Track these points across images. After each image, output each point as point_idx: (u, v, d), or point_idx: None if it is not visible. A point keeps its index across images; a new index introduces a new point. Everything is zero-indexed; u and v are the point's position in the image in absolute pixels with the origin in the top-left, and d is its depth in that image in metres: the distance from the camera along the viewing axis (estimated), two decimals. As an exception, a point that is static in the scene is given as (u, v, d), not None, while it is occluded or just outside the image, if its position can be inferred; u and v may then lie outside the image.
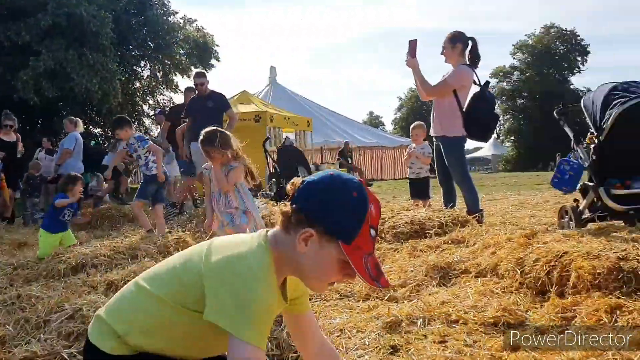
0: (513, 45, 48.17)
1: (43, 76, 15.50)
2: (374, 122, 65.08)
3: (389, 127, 62.71)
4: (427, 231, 4.74)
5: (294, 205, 1.46)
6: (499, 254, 3.64)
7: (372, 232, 1.45)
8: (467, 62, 5.61)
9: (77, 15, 16.00)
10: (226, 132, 4.44)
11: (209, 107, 7.34)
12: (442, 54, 5.70)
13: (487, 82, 5.79)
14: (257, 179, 4.45)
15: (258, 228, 4.16)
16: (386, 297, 3.47)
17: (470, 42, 5.61)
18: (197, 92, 7.69)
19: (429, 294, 3.37)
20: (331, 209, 1.41)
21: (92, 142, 18.76)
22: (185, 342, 1.53)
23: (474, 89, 5.62)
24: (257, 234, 1.55)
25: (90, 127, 22.00)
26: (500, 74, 47.82)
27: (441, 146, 5.66)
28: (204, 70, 7.82)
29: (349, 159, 19.89)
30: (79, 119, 10.34)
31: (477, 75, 5.60)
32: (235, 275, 1.39)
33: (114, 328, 1.53)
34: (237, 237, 1.58)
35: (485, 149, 45.74)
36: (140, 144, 6.27)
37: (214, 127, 4.38)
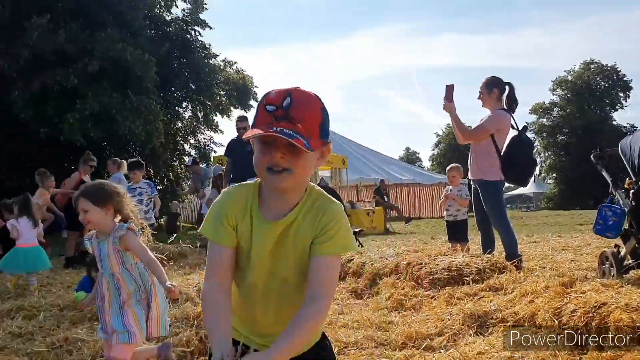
0: (552, 81, 47.73)
1: (89, 119, 16.13)
2: (411, 158, 64.86)
3: (426, 163, 62.40)
4: (464, 278, 4.72)
5: None
6: (537, 302, 3.61)
7: (269, 107, 1.57)
8: (504, 107, 5.66)
9: (123, 60, 16.69)
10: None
11: (247, 150, 7.55)
12: (478, 98, 5.76)
13: (525, 127, 5.82)
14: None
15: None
16: (423, 347, 3.48)
17: (507, 87, 5.66)
18: (237, 134, 7.96)
19: (466, 344, 3.37)
20: None
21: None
22: None
23: (512, 133, 5.64)
24: None
25: (134, 166, 22.68)
26: (540, 110, 47.30)
27: (479, 189, 5.67)
28: (246, 115, 8.11)
29: (385, 197, 19.86)
30: (123, 161, 10.63)
31: (514, 120, 5.64)
32: None
33: None
34: None
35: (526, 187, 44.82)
36: (150, 190, 6.64)
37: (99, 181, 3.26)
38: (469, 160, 5.84)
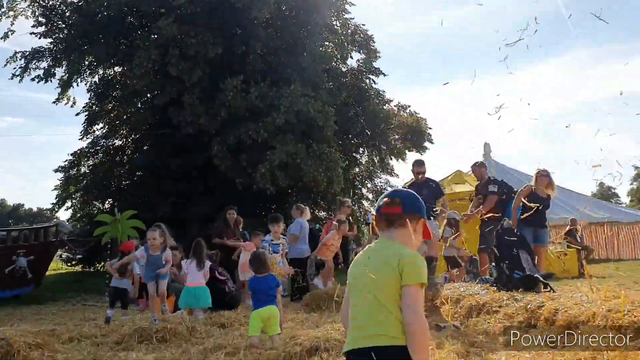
0: None
1: (278, 168, 17.48)
2: (606, 194, 59.01)
3: (625, 199, 56.25)
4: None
5: None
6: None
7: None
8: None
9: (305, 112, 17.94)
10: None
11: (424, 194, 7.62)
12: None
13: None
14: None
15: None
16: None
17: None
18: (415, 178, 8.08)
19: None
20: None
21: (317, 226, 20.30)
22: None
23: None
24: None
25: (316, 211, 23.86)
26: None
27: None
28: (423, 160, 8.22)
29: (578, 238, 18.26)
30: (306, 207, 11.29)
31: None
32: None
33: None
34: None
35: None
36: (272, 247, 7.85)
37: None
38: None
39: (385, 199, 2.39)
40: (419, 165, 8.13)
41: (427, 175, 8.21)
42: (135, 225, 14.21)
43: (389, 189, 2.58)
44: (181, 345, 5.87)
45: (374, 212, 10.11)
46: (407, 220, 2.34)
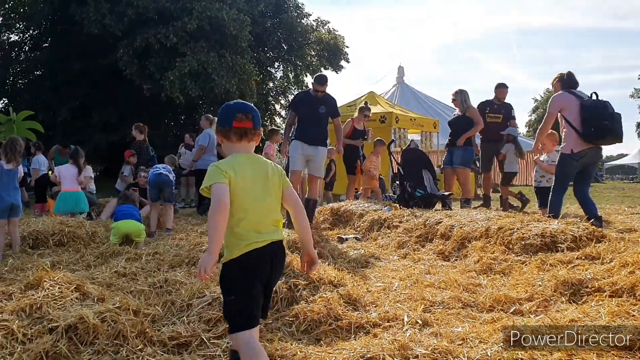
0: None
1: (187, 77, 16.76)
2: (506, 124, 62.07)
3: (523, 129, 59.64)
4: (558, 245, 4.54)
5: None
6: (638, 274, 3.42)
7: None
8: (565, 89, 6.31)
9: (219, 19, 17.09)
10: None
11: (320, 112, 7.21)
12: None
13: (593, 93, 6.24)
14: None
15: None
16: (511, 310, 3.41)
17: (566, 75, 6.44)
18: (312, 92, 7.38)
19: (557, 311, 3.27)
20: None
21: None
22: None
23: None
24: None
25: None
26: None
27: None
28: (326, 76, 7.55)
29: (477, 162, 19.25)
30: (215, 118, 10.88)
31: (577, 94, 6.24)
32: None
33: None
34: None
35: (630, 157, 42.09)
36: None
37: None
38: None
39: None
40: (321, 83, 7.39)
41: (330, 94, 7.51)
42: (32, 127, 13.27)
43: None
44: (79, 249, 5.68)
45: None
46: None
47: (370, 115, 10.73)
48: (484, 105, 8.81)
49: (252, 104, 2.47)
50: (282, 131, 11.17)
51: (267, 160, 2.46)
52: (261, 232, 2.29)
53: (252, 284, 2.26)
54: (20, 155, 5.74)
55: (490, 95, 9.05)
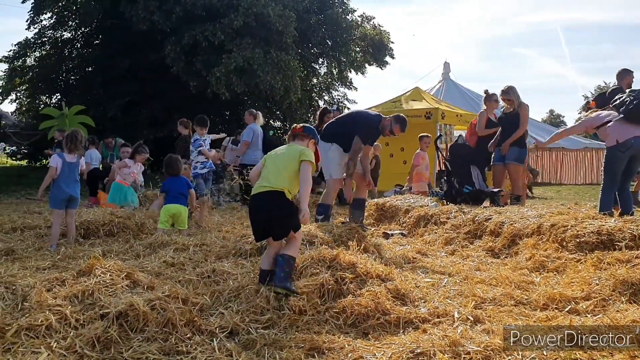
0: None
1: (233, 73, 16.90)
2: (555, 121, 60.48)
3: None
4: (616, 243, 4.35)
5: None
6: None
7: None
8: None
9: (265, 15, 17.16)
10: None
11: None
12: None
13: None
14: None
15: None
16: (566, 309, 3.29)
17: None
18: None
19: (617, 311, 3.12)
20: None
21: (270, 132, 20.01)
22: None
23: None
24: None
25: (271, 121, 23.50)
26: None
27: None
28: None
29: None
30: (259, 112, 10.85)
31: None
32: None
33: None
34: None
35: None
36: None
37: None
38: None
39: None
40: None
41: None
42: (84, 122, 13.66)
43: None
44: (128, 240, 5.79)
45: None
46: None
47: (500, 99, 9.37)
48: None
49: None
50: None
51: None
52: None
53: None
54: (82, 147, 5.87)
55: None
